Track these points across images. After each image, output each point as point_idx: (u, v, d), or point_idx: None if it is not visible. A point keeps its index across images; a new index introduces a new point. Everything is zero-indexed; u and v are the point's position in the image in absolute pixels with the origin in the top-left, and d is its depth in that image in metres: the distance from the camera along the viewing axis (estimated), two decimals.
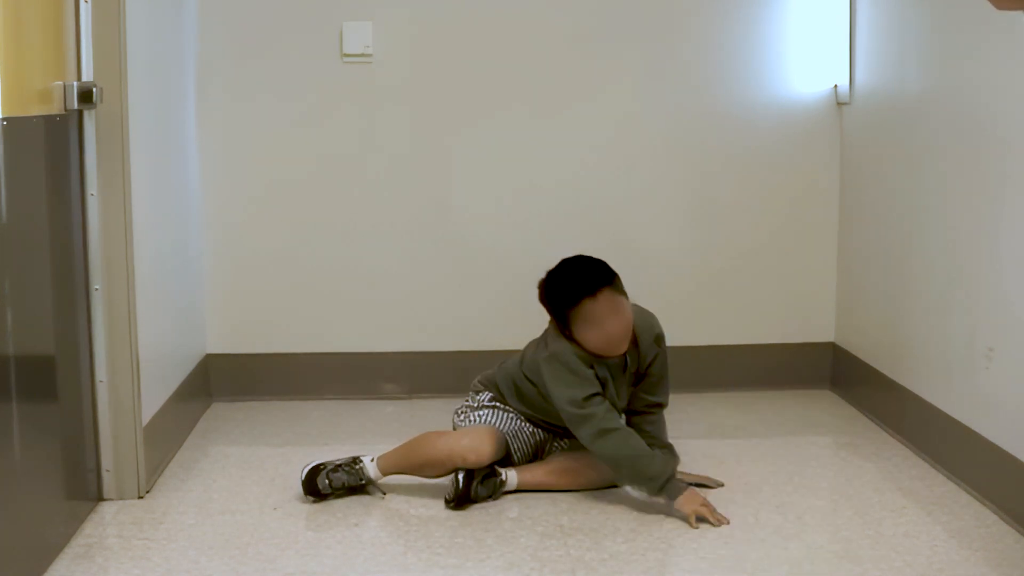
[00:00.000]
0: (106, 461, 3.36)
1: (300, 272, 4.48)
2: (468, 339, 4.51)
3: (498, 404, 3.58)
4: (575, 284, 3.36)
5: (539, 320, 4.47)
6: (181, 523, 3.25)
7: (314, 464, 3.41)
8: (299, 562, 3.00)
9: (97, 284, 3.29)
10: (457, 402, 3.72)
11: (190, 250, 4.27)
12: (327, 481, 3.38)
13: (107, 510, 3.32)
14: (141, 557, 3.02)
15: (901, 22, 4.00)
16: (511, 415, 3.55)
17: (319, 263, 4.48)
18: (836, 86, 4.45)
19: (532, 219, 4.49)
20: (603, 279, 3.36)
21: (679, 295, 4.48)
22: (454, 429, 3.60)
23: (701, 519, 3.19)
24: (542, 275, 3.47)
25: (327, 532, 3.19)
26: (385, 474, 3.44)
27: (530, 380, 3.50)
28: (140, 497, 3.40)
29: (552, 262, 4.46)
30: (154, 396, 3.62)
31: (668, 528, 3.21)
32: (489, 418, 3.54)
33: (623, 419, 3.45)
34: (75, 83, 3.14)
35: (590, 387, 3.33)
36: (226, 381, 4.47)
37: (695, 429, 4.05)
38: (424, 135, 4.45)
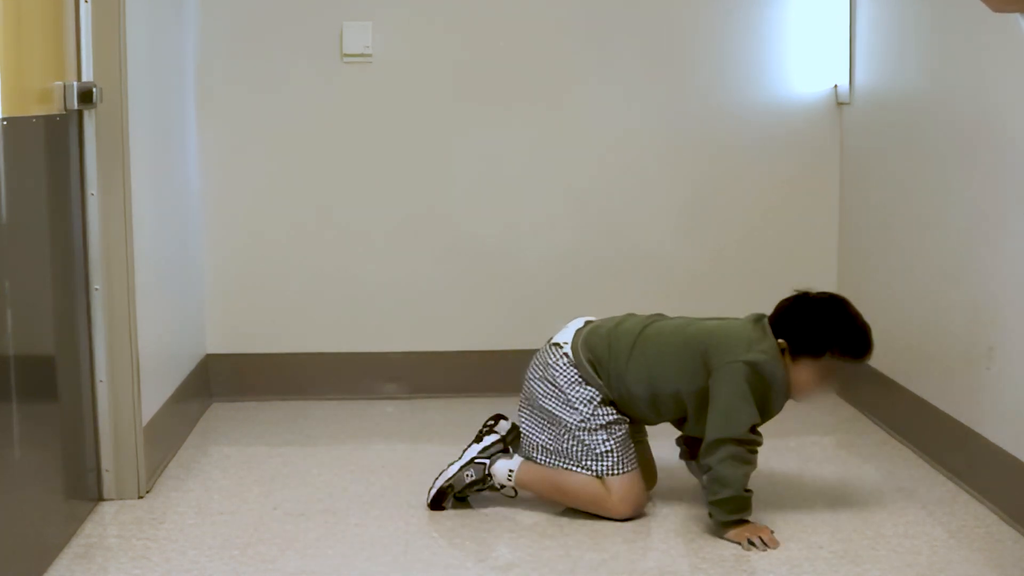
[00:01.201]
0: (106, 461, 3.36)
1: (300, 272, 4.48)
2: (469, 339, 4.51)
3: (624, 425, 3.24)
4: (866, 343, 3.17)
5: (539, 320, 4.47)
6: (181, 523, 3.25)
7: (440, 488, 3.29)
8: (299, 562, 3.00)
9: (97, 284, 3.29)
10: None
11: (190, 250, 4.27)
12: (452, 500, 3.31)
13: (107, 510, 3.32)
14: (141, 557, 3.02)
15: (901, 22, 4.00)
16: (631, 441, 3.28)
17: (319, 263, 4.48)
18: (836, 86, 4.45)
19: (532, 219, 4.49)
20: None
21: (679, 295, 4.47)
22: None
23: (752, 543, 3.03)
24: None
25: (327, 532, 3.19)
26: (521, 488, 3.30)
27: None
28: (140, 497, 3.40)
29: (553, 261, 4.50)
30: (154, 396, 3.62)
31: (668, 528, 3.21)
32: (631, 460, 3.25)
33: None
34: (75, 83, 3.14)
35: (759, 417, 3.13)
36: (226, 381, 4.47)
37: None
38: (424, 135, 4.45)
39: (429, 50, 4.42)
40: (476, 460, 3.30)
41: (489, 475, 3.28)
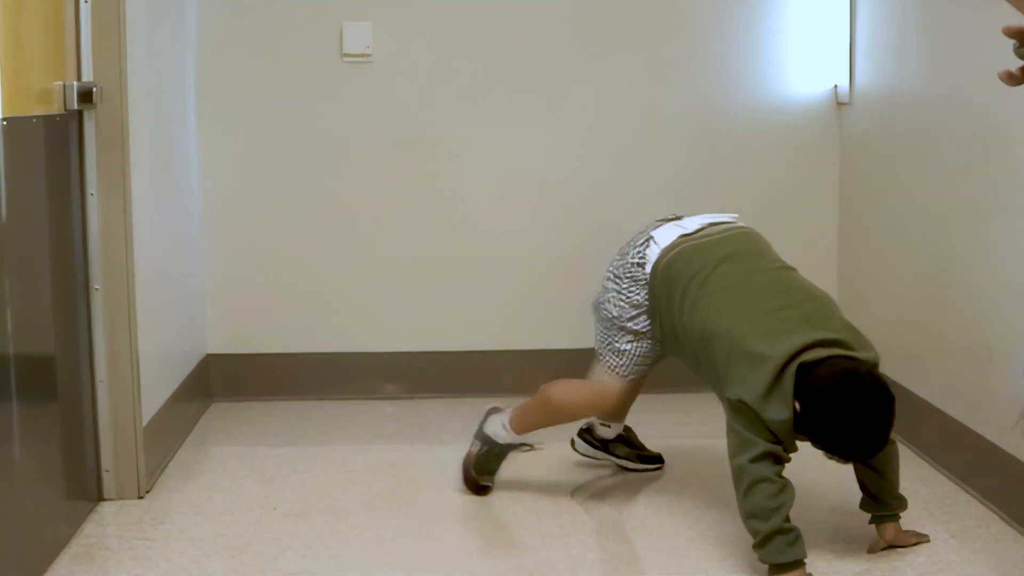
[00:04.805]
0: (106, 461, 3.36)
1: (300, 272, 4.48)
2: (469, 339, 4.51)
3: (648, 343, 3.25)
4: (862, 444, 2.83)
5: (539, 320, 4.48)
6: (181, 523, 3.25)
7: (465, 474, 3.41)
8: (299, 562, 3.00)
9: (97, 284, 3.29)
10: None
11: (190, 250, 4.27)
12: (487, 478, 3.41)
13: (107, 510, 3.32)
14: (141, 557, 3.02)
15: (901, 22, 4.00)
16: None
17: (319, 263, 4.48)
18: (836, 86, 4.45)
19: (533, 219, 4.49)
20: (885, 441, 2.85)
21: None
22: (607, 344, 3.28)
23: None
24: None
25: (327, 532, 3.19)
26: (522, 433, 3.38)
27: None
28: (140, 497, 3.40)
29: (553, 261, 4.49)
30: (154, 396, 3.62)
31: (668, 528, 3.21)
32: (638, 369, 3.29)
33: None
34: (75, 83, 3.14)
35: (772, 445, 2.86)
36: (226, 381, 4.47)
37: (697, 428, 4.05)
38: (424, 135, 4.44)
39: (429, 50, 4.42)
40: (476, 435, 3.41)
41: (485, 434, 3.37)
